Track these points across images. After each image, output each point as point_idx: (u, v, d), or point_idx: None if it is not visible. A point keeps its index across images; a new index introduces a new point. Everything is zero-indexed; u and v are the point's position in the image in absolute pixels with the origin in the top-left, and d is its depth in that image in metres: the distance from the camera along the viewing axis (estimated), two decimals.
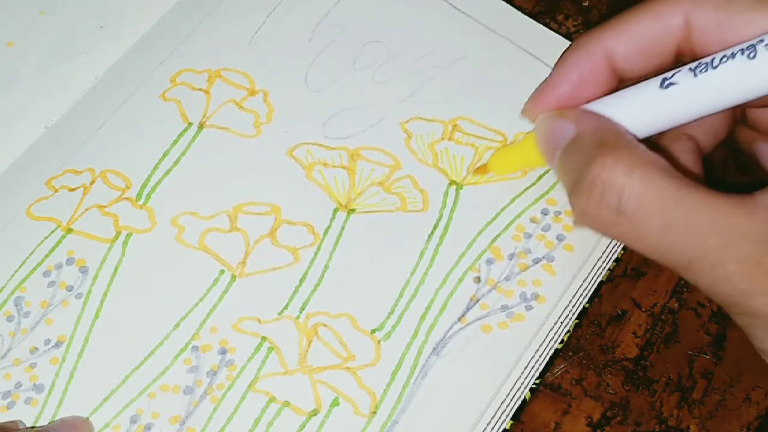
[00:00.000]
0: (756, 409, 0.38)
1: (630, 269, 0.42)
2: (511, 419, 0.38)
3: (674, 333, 0.40)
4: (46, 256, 0.42)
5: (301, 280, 0.41)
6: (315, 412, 0.38)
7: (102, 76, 0.47)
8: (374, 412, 0.38)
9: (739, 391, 0.39)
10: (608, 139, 0.33)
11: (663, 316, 0.40)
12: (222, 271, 0.41)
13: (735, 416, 0.38)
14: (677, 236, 0.30)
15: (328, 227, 0.42)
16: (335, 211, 0.43)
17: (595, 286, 0.41)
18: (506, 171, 0.43)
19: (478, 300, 0.41)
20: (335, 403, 0.39)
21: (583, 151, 0.33)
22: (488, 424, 0.38)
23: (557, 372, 0.39)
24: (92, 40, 0.48)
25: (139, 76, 0.47)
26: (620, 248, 0.42)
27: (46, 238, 0.42)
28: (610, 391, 0.39)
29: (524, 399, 0.39)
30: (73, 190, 0.43)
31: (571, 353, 0.40)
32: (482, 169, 0.43)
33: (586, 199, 0.32)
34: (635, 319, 0.40)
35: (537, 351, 0.40)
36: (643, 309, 0.41)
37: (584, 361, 0.40)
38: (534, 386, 0.39)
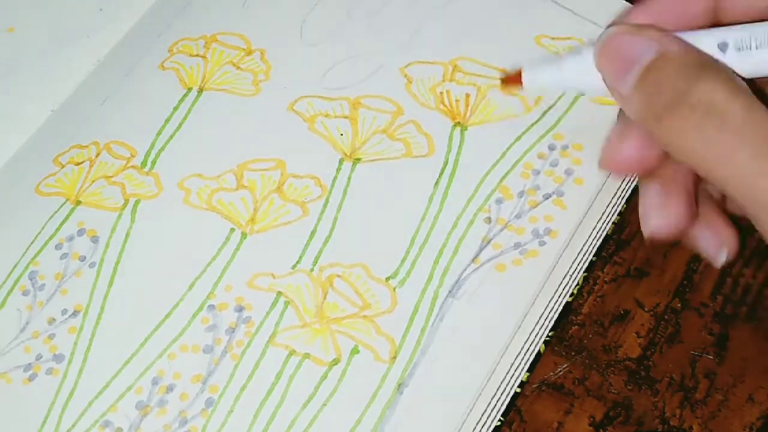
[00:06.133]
0: (759, 410, 0.38)
1: (633, 269, 0.41)
2: (512, 418, 0.38)
3: (677, 333, 0.40)
4: (57, 229, 0.42)
5: (312, 233, 0.41)
6: (336, 362, 0.38)
7: (104, 59, 0.47)
8: (394, 358, 0.38)
9: (741, 391, 0.38)
10: (707, 61, 0.32)
11: (666, 316, 0.40)
12: (232, 230, 0.41)
13: (737, 416, 0.38)
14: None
15: (335, 178, 0.42)
16: (341, 161, 0.42)
17: (612, 220, 0.41)
18: None
19: (490, 240, 0.40)
20: (355, 351, 0.39)
21: (679, 70, 0.32)
22: (511, 364, 0.38)
23: (560, 372, 0.39)
24: (92, 23, 0.48)
25: (138, 52, 0.47)
26: (634, 182, 0.41)
27: (56, 212, 0.42)
28: (613, 391, 0.39)
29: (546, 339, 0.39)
30: (79, 163, 0.44)
31: (574, 353, 0.39)
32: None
33: (688, 117, 0.31)
34: (638, 319, 0.40)
35: (556, 291, 0.39)
36: (646, 309, 0.40)
37: (587, 361, 0.39)
38: (552, 332, 0.39)
